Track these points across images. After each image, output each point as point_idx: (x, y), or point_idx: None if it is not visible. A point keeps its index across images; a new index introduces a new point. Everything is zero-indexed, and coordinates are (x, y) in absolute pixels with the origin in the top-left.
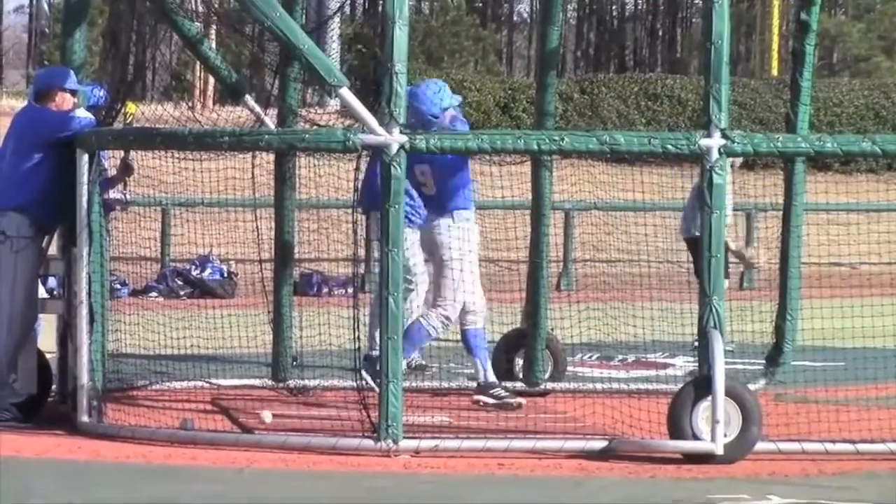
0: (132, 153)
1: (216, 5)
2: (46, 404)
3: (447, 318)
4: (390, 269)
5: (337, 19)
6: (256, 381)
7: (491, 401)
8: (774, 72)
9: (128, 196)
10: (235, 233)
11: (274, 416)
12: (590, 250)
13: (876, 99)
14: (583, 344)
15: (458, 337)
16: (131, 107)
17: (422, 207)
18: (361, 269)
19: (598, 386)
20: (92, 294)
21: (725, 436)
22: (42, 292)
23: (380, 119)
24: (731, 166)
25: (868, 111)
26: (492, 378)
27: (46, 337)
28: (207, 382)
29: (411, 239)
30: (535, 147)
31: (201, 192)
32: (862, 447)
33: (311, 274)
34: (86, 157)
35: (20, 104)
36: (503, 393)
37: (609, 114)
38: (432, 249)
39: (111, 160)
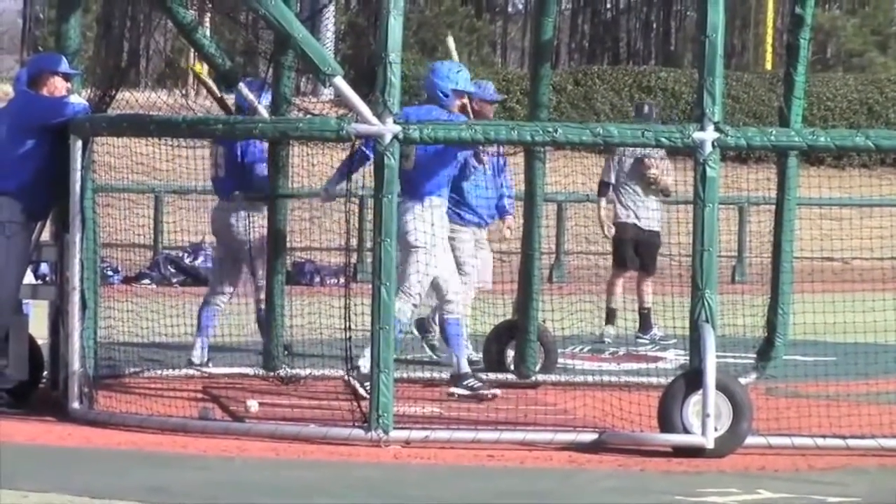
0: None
1: None
2: (37, 390)
3: (414, 304)
4: (383, 260)
5: (332, 8)
6: (248, 370)
7: (464, 392)
8: (768, 66)
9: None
10: None
11: (265, 404)
12: (582, 242)
13: (869, 94)
14: (574, 336)
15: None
16: (199, 68)
17: (477, 206)
18: (354, 259)
19: (589, 378)
20: (84, 281)
21: (716, 430)
22: (31, 278)
23: (374, 108)
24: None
25: (861, 106)
26: (465, 369)
27: (38, 323)
28: (198, 370)
29: (466, 238)
30: (529, 138)
31: (194, 179)
32: (852, 442)
33: (303, 263)
34: (79, 143)
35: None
36: (476, 384)
37: (603, 106)
38: (399, 233)
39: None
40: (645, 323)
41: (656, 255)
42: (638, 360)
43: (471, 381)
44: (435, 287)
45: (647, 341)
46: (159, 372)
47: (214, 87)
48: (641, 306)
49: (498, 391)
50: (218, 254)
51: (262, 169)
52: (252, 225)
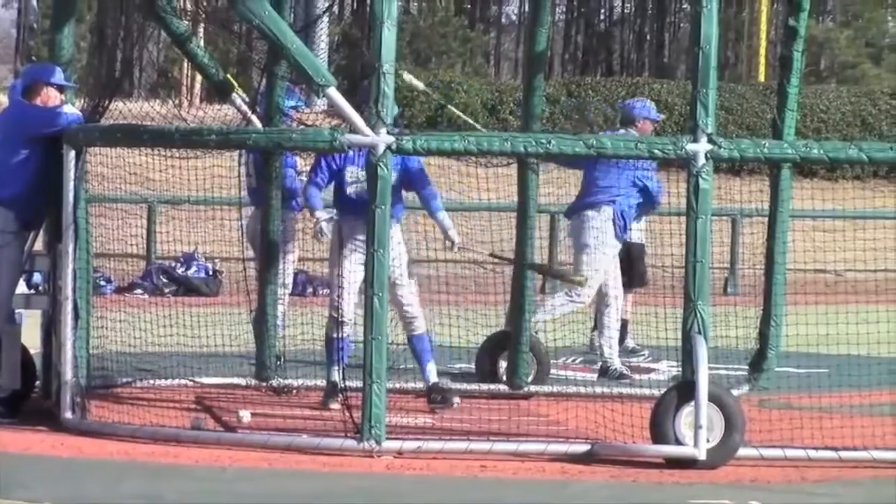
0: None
1: (204, 3)
2: (30, 400)
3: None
4: (376, 270)
5: (325, 19)
6: (240, 380)
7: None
8: (762, 77)
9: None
10: (221, 231)
11: (257, 415)
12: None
13: (863, 106)
14: (566, 347)
15: (441, 339)
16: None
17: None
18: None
19: (582, 389)
20: (77, 290)
21: (708, 441)
22: (24, 288)
23: (367, 119)
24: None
25: (855, 118)
26: (432, 380)
27: (30, 332)
28: (191, 380)
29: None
30: (522, 149)
31: (187, 190)
32: (844, 454)
33: (295, 273)
34: (72, 153)
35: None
36: (437, 396)
37: (596, 117)
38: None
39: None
40: (620, 333)
41: (639, 266)
42: (630, 371)
43: (434, 395)
44: (396, 304)
45: (644, 354)
46: (151, 382)
47: (245, 107)
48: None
49: (458, 400)
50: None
51: (289, 175)
52: (285, 231)
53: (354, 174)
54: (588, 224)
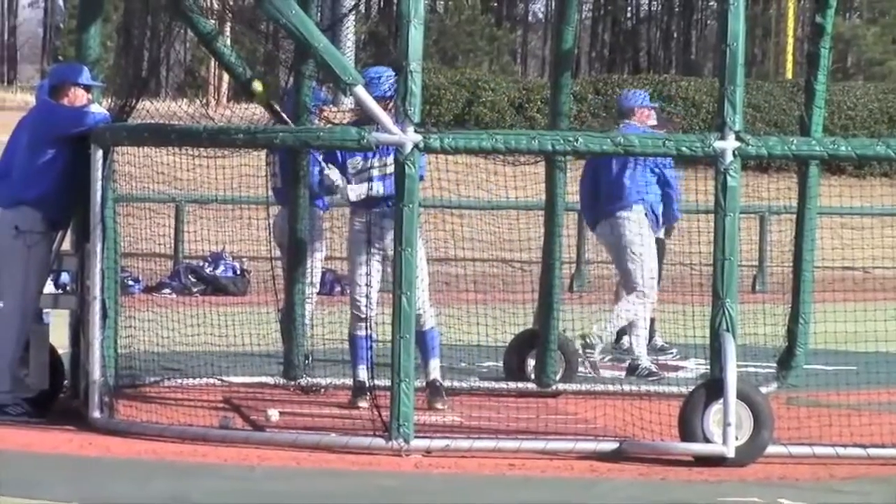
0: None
1: (231, 2)
2: (58, 400)
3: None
4: (404, 269)
5: (352, 18)
6: (268, 379)
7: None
8: (789, 74)
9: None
10: (249, 230)
11: (285, 414)
12: (602, 251)
13: (890, 103)
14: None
15: (469, 338)
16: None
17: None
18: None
19: (610, 387)
20: (105, 290)
21: (736, 439)
22: (51, 288)
23: (394, 118)
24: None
25: (882, 115)
26: (432, 377)
27: (58, 332)
28: (219, 380)
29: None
30: (550, 147)
31: (215, 189)
32: (873, 452)
33: (323, 272)
34: (100, 152)
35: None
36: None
37: None
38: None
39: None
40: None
41: (661, 263)
42: (658, 368)
43: (437, 401)
44: None
45: (672, 352)
46: (179, 381)
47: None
48: None
49: (441, 405)
50: (285, 263)
51: (316, 173)
52: (312, 230)
53: (357, 164)
54: (626, 225)
